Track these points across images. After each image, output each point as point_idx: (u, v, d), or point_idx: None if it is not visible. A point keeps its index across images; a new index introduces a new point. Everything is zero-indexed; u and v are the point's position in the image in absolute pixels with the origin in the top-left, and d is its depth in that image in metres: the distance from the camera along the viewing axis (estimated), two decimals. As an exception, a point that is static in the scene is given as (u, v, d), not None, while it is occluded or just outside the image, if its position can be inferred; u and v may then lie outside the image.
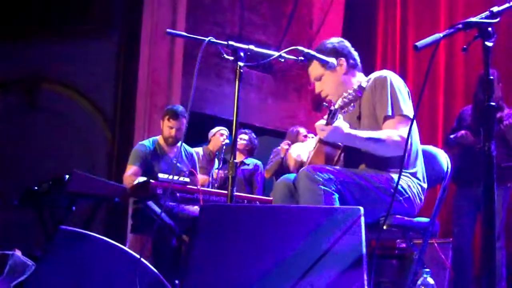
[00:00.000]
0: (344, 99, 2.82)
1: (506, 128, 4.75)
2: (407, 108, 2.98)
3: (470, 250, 5.00)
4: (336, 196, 2.80)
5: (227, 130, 6.48)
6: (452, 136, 5.03)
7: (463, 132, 4.94)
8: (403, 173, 2.96)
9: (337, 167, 2.97)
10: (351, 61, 3.19)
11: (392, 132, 2.91)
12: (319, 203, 2.74)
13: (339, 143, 3.06)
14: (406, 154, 2.97)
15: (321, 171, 2.82)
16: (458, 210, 5.06)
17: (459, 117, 5.22)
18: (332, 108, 2.84)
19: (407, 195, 2.97)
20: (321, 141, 3.04)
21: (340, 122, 2.84)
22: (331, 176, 2.82)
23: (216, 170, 6.13)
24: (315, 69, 3.20)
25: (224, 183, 5.69)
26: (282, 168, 5.93)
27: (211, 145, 6.36)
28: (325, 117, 2.88)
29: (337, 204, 2.77)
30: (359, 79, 3.15)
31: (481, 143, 4.99)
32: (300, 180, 2.86)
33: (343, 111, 2.85)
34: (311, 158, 3.13)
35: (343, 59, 3.16)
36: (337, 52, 3.15)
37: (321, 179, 2.79)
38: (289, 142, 5.89)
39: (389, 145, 2.89)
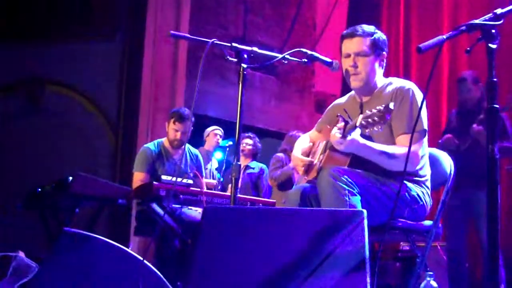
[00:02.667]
0: (369, 119, 2.65)
1: (475, 134, 4.68)
2: (423, 123, 2.94)
3: (465, 250, 4.92)
4: (359, 198, 2.76)
5: (221, 129, 6.55)
6: (440, 140, 4.98)
7: (447, 136, 4.90)
8: (416, 181, 2.98)
9: (359, 171, 2.90)
10: (385, 60, 3.13)
11: (405, 149, 2.84)
12: (342, 203, 2.69)
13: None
14: (420, 165, 2.98)
15: (345, 172, 2.78)
16: (448, 213, 5.00)
17: (447, 120, 5.21)
18: (349, 121, 2.76)
19: (421, 203, 2.98)
20: (331, 148, 2.97)
21: (356, 134, 2.78)
22: (355, 179, 2.79)
23: (210, 171, 6.18)
24: (363, 44, 3.01)
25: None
26: (290, 181, 5.83)
27: (206, 145, 6.45)
28: (339, 125, 2.79)
29: (359, 206, 2.72)
30: (379, 78, 3.09)
31: (466, 145, 4.91)
32: (323, 179, 2.79)
33: (366, 131, 2.72)
34: (322, 164, 3.02)
35: (385, 54, 3.09)
36: (386, 45, 3.09)
37: (345, 179, 2.75)
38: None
39: (402, 162, 2.77)
